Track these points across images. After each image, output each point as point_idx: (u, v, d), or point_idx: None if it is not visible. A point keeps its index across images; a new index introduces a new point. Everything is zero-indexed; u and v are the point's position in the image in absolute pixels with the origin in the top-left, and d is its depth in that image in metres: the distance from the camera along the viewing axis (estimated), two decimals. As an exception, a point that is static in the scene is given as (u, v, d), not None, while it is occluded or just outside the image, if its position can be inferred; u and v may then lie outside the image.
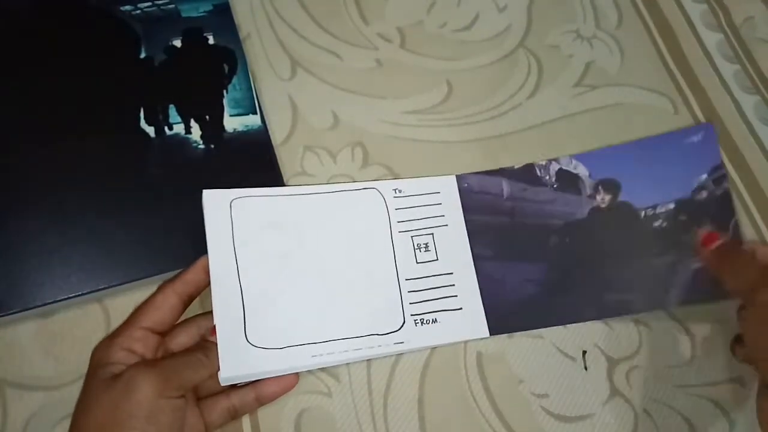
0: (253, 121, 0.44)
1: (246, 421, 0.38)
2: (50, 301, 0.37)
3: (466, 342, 0.41)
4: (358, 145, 0.46)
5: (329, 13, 0.50)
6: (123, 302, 0.39)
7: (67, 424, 0.35)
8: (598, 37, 0.51)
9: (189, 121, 0.44)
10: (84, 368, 0.37)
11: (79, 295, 0.38)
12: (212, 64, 0.46)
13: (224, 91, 0.45)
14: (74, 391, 0.36)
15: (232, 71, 0.46)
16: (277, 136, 0.45)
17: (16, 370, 0.37)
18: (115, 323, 0.38)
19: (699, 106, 0.50)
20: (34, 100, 0.43)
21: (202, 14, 0.47)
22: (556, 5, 0.53)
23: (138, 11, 0.46)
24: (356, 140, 0.46)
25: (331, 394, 0.39)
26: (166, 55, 0.45)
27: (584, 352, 0.41)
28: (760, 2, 0.54)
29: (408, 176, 0.45)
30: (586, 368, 0.41)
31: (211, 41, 0.46)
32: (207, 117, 0.44)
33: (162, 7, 0.47)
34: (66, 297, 0.38)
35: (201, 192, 0.38)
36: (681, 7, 0.54)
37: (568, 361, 0.41)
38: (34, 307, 0.37)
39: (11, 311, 0.37)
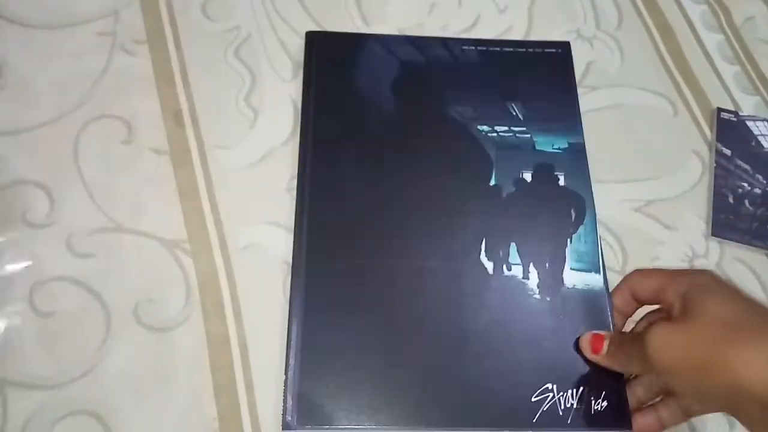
0: (595, 281, 0.40)
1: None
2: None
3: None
4: (358, 146, 0.46)
5: (330, 15, 0.50)
6: (123, 301, 0.39)
7: (67, 423, 0.36)
8: (598, 38, 0.52)
9: (528, 265, 0.40)
10: (84, 367, 0.37)
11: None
12: (559, 207, 0.43)
13: (568, 240, 0.41)
14: (74, 390, 0.37)
15: (579, 219, 0.42)
16: (279, 136, 0.45)
17: (16, 369, 0.37)
18: (115, 322, 0.39)
19: (698, 107, 0.50)
20: (383, 198, 0.42)
21: (555, 150, 0.44)
22: (557, 6, 0.53)
23: (494, 134, 0.44)
24: (357, 140, 0.46)
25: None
26: (515, 188, 0.43)
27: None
28: (760, 2, 0.55)
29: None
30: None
31: (561, 182, 0.43)
32: (547, 265, 0.41)
33: (518, 135, 0.44)
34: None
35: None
36: (681, 7, 0.54)
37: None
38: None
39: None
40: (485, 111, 0.45)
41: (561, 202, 0.43)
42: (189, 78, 0.46)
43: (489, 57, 0.47)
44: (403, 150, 0.43)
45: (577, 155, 0.44)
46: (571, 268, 0.41)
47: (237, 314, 0.40)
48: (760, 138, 0.48)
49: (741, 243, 0.45)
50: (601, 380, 0.37)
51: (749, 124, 0.49)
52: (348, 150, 0.43)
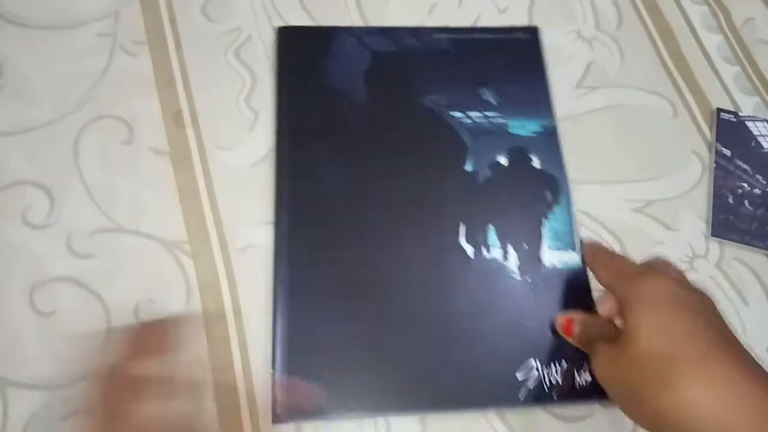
0: (572, 258, 0.42)
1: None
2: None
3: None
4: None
5: (330, 14, 0.50)
6: (123, 302, 0.39)
7: (67, 423, 0.36)
8: (598, 39, 0.52)
9: (506, 247, 0.41)
10: (85, 367, 0.37)
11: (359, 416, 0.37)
12: (535, 189, 0.43)
13: (544, 220, 0.42)
14: (75, 390, 0.37)
15: (554, 200, 0.43)
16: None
17: (17, 368, 0.37)
18: (116, 322, 0.39)
19: (698, 108, 0.50)
20: (361, 190, 0.42)
21: (530, 134, 0.45)
22: (557, 6, 0.53)
23: (468, 120, 0.45)
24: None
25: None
26: (491, 172, 0.44)
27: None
28: (760, 3, 0.55)
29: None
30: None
31: (535, 164, 0.44)
32: (525, 245, 0.42)
33: (491, 120, 0.45)
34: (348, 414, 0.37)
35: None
36: (681, 8, 0.54)
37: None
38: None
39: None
40: (458, 98, 0.46)
41: (536, 183, 0.44)
42: (189, 79, 0.46)
43: (459, 44, 0.48)
44: (379, 140, 0.44)
45: (549, 138, 0.45)
46: (548, 248, 0.42)
47: (237, 314, 0.40)
48: (760, 138, 0.48)
49: (741, 243, 0.45)
50: (582, 354, 0.37)
51: (749, 124, 0.49)
52: (324, 143, 0.43)
